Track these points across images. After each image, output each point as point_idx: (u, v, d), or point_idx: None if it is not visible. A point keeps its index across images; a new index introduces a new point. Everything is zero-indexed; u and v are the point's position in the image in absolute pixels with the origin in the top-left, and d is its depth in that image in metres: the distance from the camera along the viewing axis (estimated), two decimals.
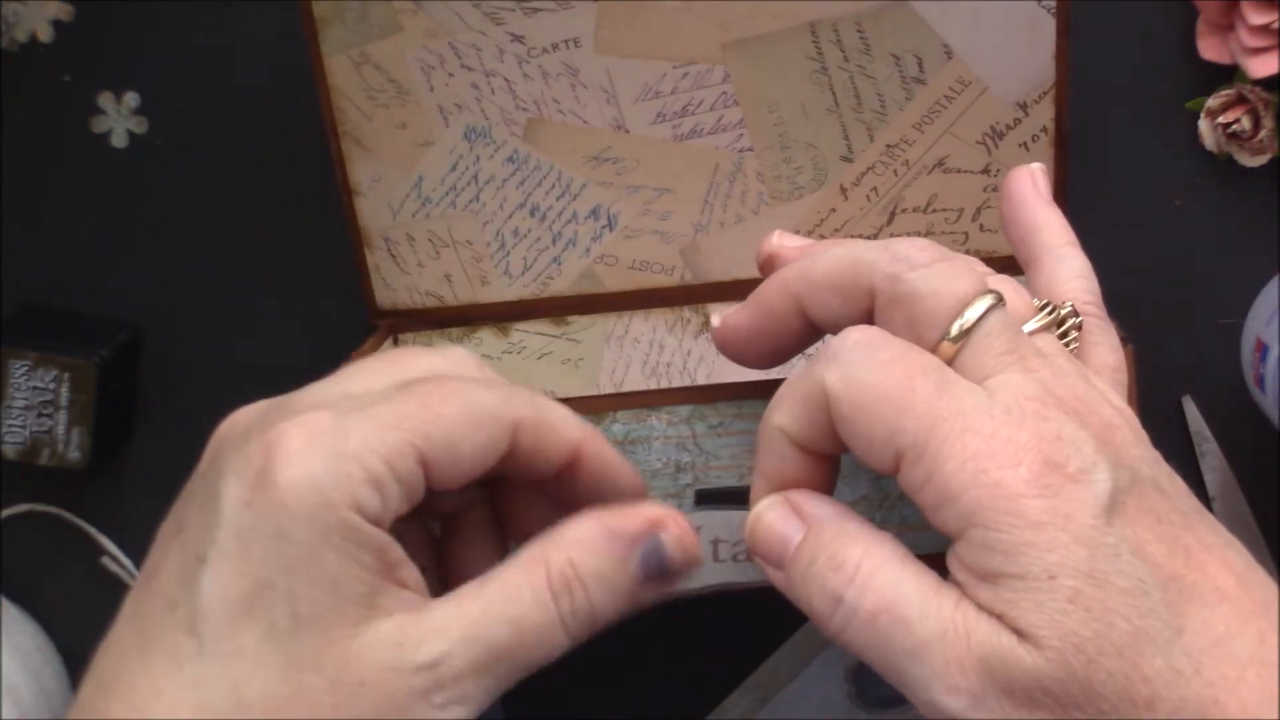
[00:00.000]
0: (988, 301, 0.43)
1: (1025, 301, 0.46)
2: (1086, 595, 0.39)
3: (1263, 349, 0.62)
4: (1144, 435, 0.43)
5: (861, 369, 0.42)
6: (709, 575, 0.57)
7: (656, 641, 0.70)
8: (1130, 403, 0.46)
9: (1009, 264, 0.63)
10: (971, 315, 0.42)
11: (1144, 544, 0.39)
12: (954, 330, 0.42)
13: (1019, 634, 0.40)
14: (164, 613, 0.41)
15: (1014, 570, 0.40)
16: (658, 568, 0.46)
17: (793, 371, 0.45)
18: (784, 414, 0.44)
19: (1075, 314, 0.47)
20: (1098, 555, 0.39)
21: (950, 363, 0.42)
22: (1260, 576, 0.41)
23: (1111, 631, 0.39)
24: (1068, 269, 0.50)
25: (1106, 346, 0.47)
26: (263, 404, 0.44)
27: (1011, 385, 0.41)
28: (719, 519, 0.56)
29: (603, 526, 0.46)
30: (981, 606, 0.41)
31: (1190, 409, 0.69)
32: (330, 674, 0.41)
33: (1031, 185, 0.51)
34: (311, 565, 0.41)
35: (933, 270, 0.43)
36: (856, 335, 0.43)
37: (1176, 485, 0.42)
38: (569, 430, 0.47)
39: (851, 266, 0.45)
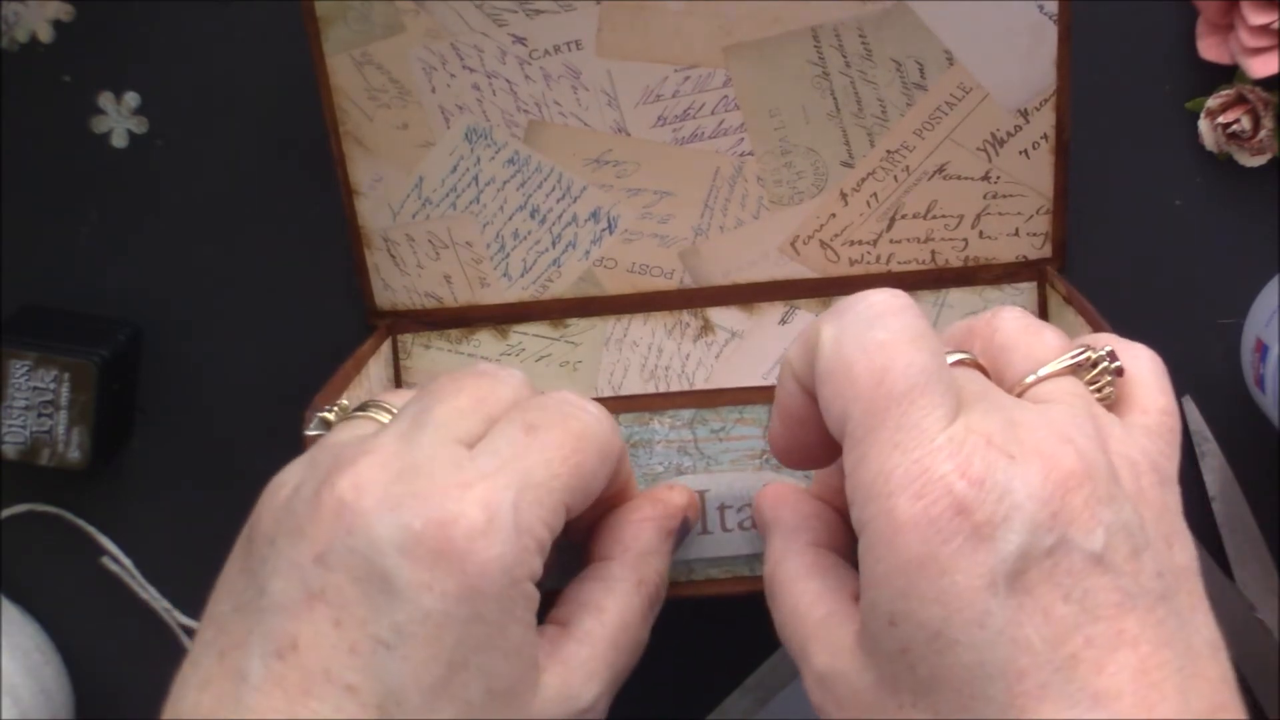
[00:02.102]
0: (956, 357, 0.43)
1: (1048, 345, 0.45)
2: (917, 654, 0.38)
3: (1263, 349, 0.62)
4: (1138, 495, 0.40)
5: (851, 338, 0.41)
6: (719, 546, 0.57)
7: (656, 641, 0.70)
8: None
9: (1007, 271, 0.63)
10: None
11: (1028, 623, 0.37)
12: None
13: (860, 649, 0.41)
14: (335, 694, 0.40)
15: (868, 596, 0.40)
16: (683, 539, 0.54)
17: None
18: (794, 348, 0.45)
19: (1113, 358, 0.44)
20: (956, 620, 0.37)
21: None
22: (1194, 688, 0.37)
23: (927, 698, 0.38)
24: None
25: (1155, 388, 0.44)
26: (380, 463, 0.43)
27: (975, 417, 0.40)
28: (723, 482, 0.57)
29: (660, 528, 0.52)
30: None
31: (1190, 409, 0.69)
32: None
33: None
34: (501, 641, 0.42)
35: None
36: (874, 299, 0.42)
37: (1142, 563, 0.38)
38: (627, 465, 0.51)
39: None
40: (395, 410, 0.48)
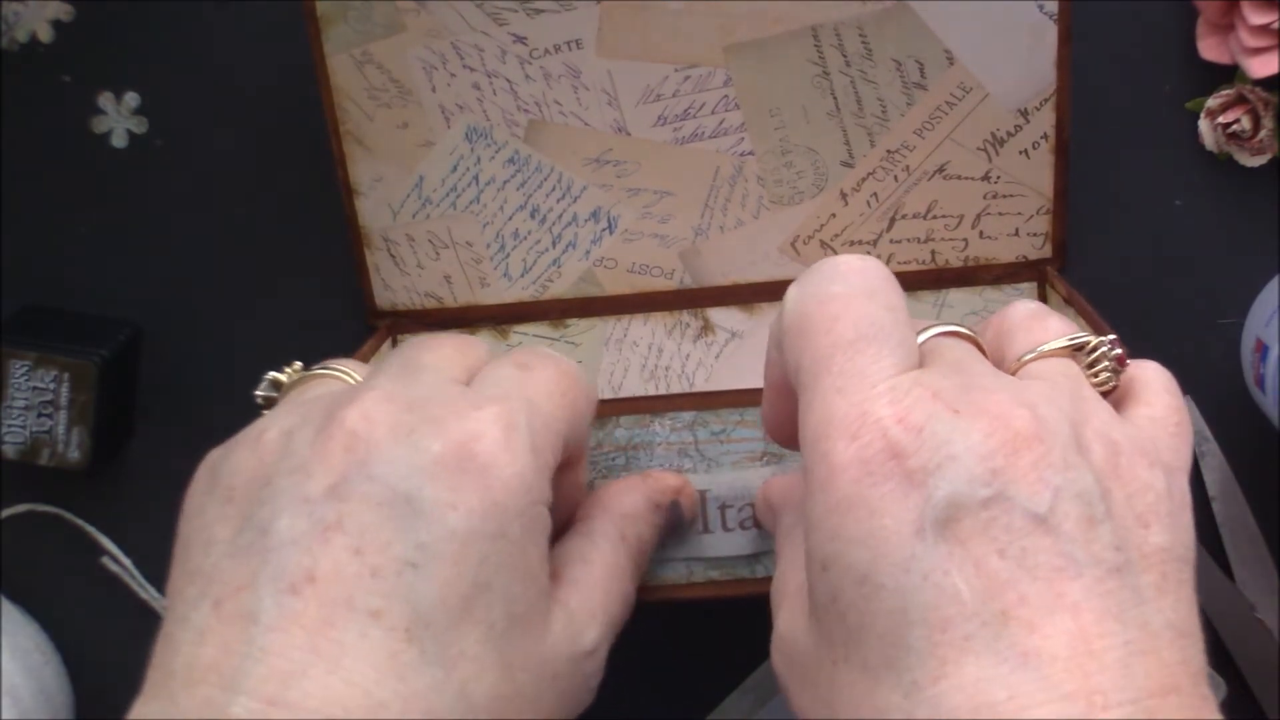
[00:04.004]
0: (940, 329, 0.43)
1: (1050, 329, 0.45)
2: (846, 601, 0.38)
3: (1263, 349, 0.62)
4: (1110, 471, 0.39)
5: (810, 293, 0.42)
6: (720, 546, 0.57)
7: (656, 642, 0.70)
8: None
9: (1007, 271, 0.63)
10: (923, 336, 0.43)
11: (956, 572, 0.36)
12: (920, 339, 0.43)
13: (810, 608, 0.41)
14: (358, 620, 0.39)
15: (807, 543, 0.40)
16: (674, 526, 0.54)
17: None
18: (775, 317, 0.45)
19: (1115, 345, 0.44)
20: (881, 563, 0.37)
21: None
22: (1140, 665, 0.36)
23: (857, 650, 0.38)
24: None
25: (1163, 389, 0.44)
26: (385, 397, 0.42)
27: (927, 373, 0.39)
28: (724, 482, 0.57)
29: (647, 499, 0.53)
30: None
31: (1190, 409, 0.69)
32: (534, 671, 0.43)
33: None
34: (521, 562, 0.42)
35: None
36: (841, 259, 0.43)
37: (1097, 534, 0.37)
38: (589, 436, 0.52)
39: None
40: (357, 375, 0.48)
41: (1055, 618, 0.36)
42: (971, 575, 0.36)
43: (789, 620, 0.43)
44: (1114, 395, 0.44)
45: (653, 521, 0.53)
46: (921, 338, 0.43)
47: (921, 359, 0.41)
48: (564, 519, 0.52)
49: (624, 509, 0.52)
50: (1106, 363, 0.44)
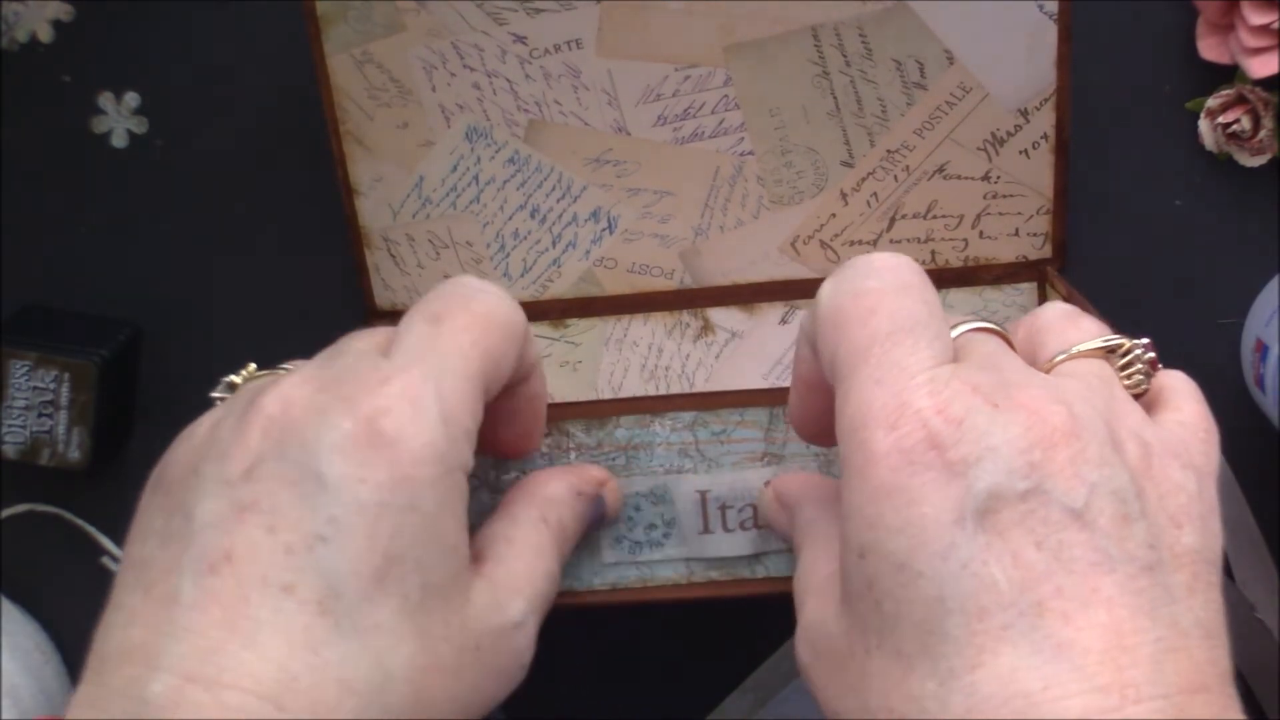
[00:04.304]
0: (974, 324, 0.43)
1: (1083, 330, 0.45)
2: (883, 588, 0.38)
3: (1263, 349, 0.62)
4: (1144, 470, 0.39)
5: (845, 288, 0.42)
6: (720, 546, 0.57)
7: (657, 642, 0.70)
8: None
9: (1007, 271, 0.63)
10: (957, 331, 0.43)
11: (995, 562, 0.37)
12: (954, 334, 0.43)
13: (841, 597, 0.41)
14: (272, 596, 0.40)
15: (843, 531, 0.40)
16: (596, 519, 0.55)
17: None
18: (807, 312, 0.45)
19: (1149, 349, 0.44)
20: (920, 552, 0.37)
21: None
22: (1171, 662, 0.36)
23: (891, 637, 0.38)
24: None
25: (1190, 396, 0.44)
26: (302, 380, 0.43)
27: (964, 367, 0.40)
28: (724, 482, 0.57)
29: (570, 486, 0.53)
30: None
31: None
32: (455, 641, 0.43)
33: None
34: (437, 533, 0.42)
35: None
36: (875, 256, 0.43)
37: (1131, 531, 0.37)
38: (533, 348, 0.51)
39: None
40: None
41: (1090, 611, 0.36)
42: (1009, 566, 0.36)
43: (818, 610, 0.43)
44: (1142, 401, 0.44)
45: (575, 508, 0.53)
46: (955, 332, 0.43)
47: (955, 354, 0.41)
48: (526, 433, 0.53)
49: (546, 494, 0.52)
50: (1139, 365, 0.44)
